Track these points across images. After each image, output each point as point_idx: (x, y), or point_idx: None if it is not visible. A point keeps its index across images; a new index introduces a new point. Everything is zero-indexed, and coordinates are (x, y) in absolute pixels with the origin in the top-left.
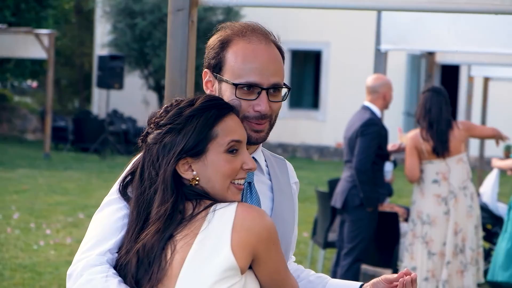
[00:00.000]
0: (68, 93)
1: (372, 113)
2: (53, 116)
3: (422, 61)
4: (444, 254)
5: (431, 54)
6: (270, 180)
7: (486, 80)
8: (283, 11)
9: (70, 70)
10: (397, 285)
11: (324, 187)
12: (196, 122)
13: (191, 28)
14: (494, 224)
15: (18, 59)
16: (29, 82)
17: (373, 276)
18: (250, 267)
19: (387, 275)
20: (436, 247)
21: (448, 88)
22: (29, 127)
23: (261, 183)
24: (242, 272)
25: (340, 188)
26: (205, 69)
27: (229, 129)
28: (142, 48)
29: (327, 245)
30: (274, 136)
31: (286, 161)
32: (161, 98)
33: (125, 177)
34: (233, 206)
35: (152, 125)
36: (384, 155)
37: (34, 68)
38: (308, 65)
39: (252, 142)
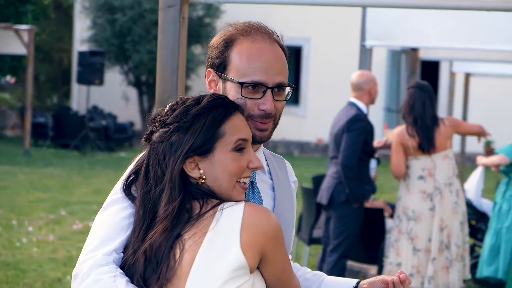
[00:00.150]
0: (46, 89)
1: (358, 109)
2: (32, 112)
3: (402, 57)
4: (429, 250)
5: (414, 50)
6: (271, 179)
7: (467, 76)
8: (264, 6)
9: (49, 66)
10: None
11: (306, 183)
12: (204, 120)
13: (182, 25)
14: (478, 220)
15: None
16: (7, 78)
17: (358, 273)
18: (257, 267)
19: (384, 275)
20: (421, 243)
21: None
22: (8, 124)
23: (262, 182)
24: (251, 272)
25: (326, 185)
26: (209, 69)
27: (236, 128)
28: (122, 43)
29: (312, 241)
30: None
31: (285, 160)
32: (141, 94)
33: (129, 176)
34: (241, 205)
35: (157, 124)
36: (370, 151)
37: (13, 64)
38: (289, 60)
39: (256, 141)
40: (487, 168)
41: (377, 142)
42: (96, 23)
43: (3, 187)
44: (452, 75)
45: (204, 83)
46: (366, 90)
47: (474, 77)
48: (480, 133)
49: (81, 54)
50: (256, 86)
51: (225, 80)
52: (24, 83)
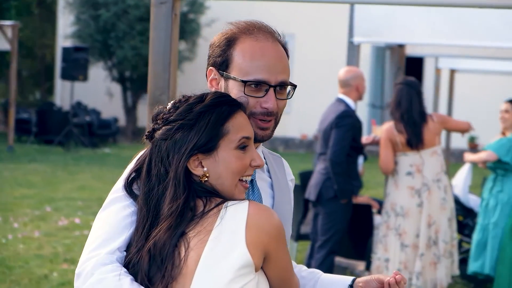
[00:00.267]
0: (29, 85)
1: (347, 105)
2: (15, 108)
3: (387, 53)
4: (417, 246)
5: (400, 47)
6: (270, 177)
7: (453, 72)
8: (248, 1)
9: (31, 61)
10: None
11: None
12: (208, 118)
13: (174, 21)
14: (465, 216)
15: None
16: None
17: (345, 269)
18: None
19: (380, 275)
20: (409, 239)
21: None
22: None
23: (261, 180)
24: (256, 270)
25: (314, 181)
26: (210, 67)
27: (240, 126)
28: (105, 39)
29: (299, 237)
30: None
31: (282, 158)
32: (125, 90)
33: (130, 174)
34: (245, 204)
35: (159, 121)
36: (358, 147)
37: None
38: None
39: (258, 140)
40: (473, 164)
41: (365, 138)
42: (79, 18)
43: None
44: (438, 71)
45: (189, 79)
46: (354, 86)
47: (459, 73)
48: (469, 130)
49: (65, 50)
50: (259, 84)
51: (227, 78)
52: (7, 79)
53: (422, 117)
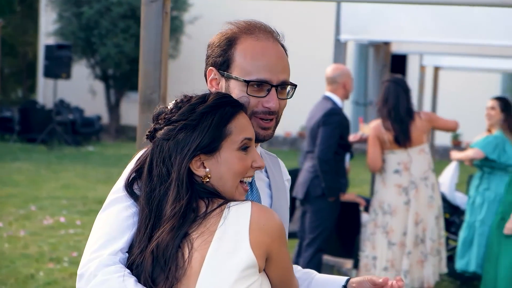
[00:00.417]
0: (11, 83)
1: (334, 103)
2: None
3: (370, 50)
4: (404, 244)
5: (386, 44)
6: (268, 177)
7: (437, 69)
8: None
9: (13, 59)
10: (379, 286)
11: None
12: (212, 119)
13: (165, 20)
14: (451, 213)
15: None
16: None
17: (333, 267)
18: None
19: (373, 276)
20: (396, 237)
21: None
22: None
23: (260, 180)
24: (259, 271)
25: (302, 179)
26: (210, 67)
27: (242, 127)
28: (88, 37)
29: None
30: None
31: (278, 158)
32: (108, 88)
33: (131, 174)
34: (248, 204)
35: (160, 121)
36: (345, 145)
37: None
38: None
39: (259, 140)
40: (460, 162)
41: (352, 136)
42: (62, 16)
43: None
44: (422, 68)
45: (172, 76)
46: (341, 84)
47: (443, 71)
48: (456, 129)
49: (48, 48)
50: (260, 84)
51: (228, 78)
52: None
53: (409, 114)
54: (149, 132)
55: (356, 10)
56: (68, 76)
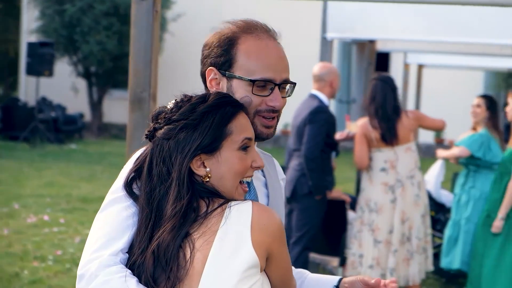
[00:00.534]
0: None
1: (320, 101)
2: None
3: (353, 48)
4: (389, 242)
5: (371, 42)
6: (264, 177)
7: (420, 67)
8: None
9: None
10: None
11: None
12: (213, 118)
13: (155, 18)
14: (437, 211)
15: None
16: None
17: (318, 265)
18: None
19: (365, 277)
20: (382, 235)
21: None
22: None
23: (256, 179)
24: (261, 271)
25: (289, 177)
26: (210, 67)
27: (242, 127)
28: (71, 34)
29: None
30: None
31: (273, 157)
32: (90, 85)
33: (130, 174)
34: (249, 204)
35: (160, 121)
36: (332, 143)
37: None
38: None
39: (262, 138)
40: (445, 160)
41: (339, 134)
42: (44, 13)
43: None
44: (407, 66)
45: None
46: (328, 82)
47: (426, 69)
48: (443, 128)
49: (31, 45)
50: (264, 83)
51: (230, 78)
52: None
53: (396, 113)
54: (148, 131)
55: (343, 9)
56: (50, 73)
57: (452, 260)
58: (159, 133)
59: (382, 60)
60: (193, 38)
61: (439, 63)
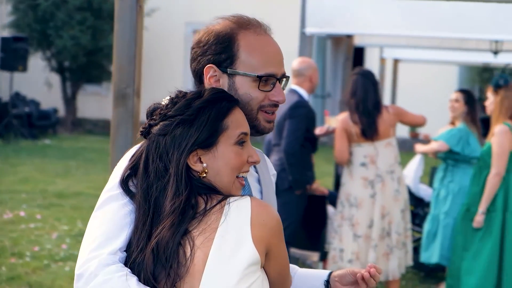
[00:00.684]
0: None
1: (300, 96)
2: None
3: (328, 43)
4: (369, 237)
5: (349, 37)
6: (257, 172)
7: (396, 62)
8: None
9: None
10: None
11: None
12: (209, 113)
13: (139, 13)
14: (416, 206)
15: None
16: None
17: (297, 259)
18: None
19: (355, 268)
20: (361, 230)
21: None
22: None
23: (250, 176)
24: (260, 267)
25: None
26: (210, 64)
27: (238, 122)
28: (44, 29)
29: None
30: None
31: (263, 153)
32: (64, 80)
33: (126, 171)
34: (247, 200)
35: (155, 117)
36: (312, 138)
37: None
38: None
39: (264, 133)
40: (424, 154)
41: (319, 129)
42: (17, 8)
43: None
44: (383, 61)
45: None
46: (307, 77)
47: (402, 63)
48: (424, 124)
49: (4, 40)
50: (268, 78)
51: (232, 75)
52: None
53: (377, 108)
54: (143, 128)
55: (321, 3)
56: (24, 68)
57: (431, 255)
58: (155, 129)
59: (358, 55)
60: (168, 33)
61: (414, 58)
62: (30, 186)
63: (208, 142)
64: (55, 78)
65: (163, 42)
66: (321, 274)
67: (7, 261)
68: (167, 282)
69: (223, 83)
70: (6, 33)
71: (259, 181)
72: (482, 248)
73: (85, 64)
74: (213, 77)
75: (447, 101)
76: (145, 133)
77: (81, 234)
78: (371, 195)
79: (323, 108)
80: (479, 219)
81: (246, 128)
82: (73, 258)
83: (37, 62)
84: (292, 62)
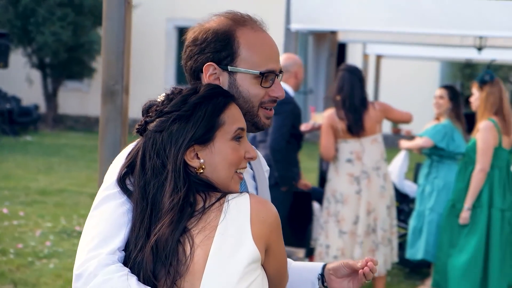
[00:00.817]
0: None
1: (285, 92)
2: None
3: (309, 39)
4: (354, 233)
5: (333, 33)
6: (252, 169)
7: (379, 58)
8: None
9: None
10: (357, 271)
11: None
12: (205, 109)
13: (127, 10)
14: (401, 202)
15: None
16: None
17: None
18: None
19: (349, 260)
20: (347, 226)
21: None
22: None
23: (245, 172)
24: (261, 264)
25: None
26: (209, 62)
27: (235, 117)
28: (25, 25)
29: None
30: None
31: (256, 149)
32: (45, 76)
33: (123, 169)
34: (246, 197)
35: (151, 114)
36: (297, 134)
37: None
38: None
39: (264, 129)
40: (409, 151)
41: (304, 126)
42: None
43: None
44: (366, 57)
45: None
46: (292, 73)
47: (384, 59)
48: (410, 121)
49: None
50: (267, 74)
51: (233, 72)
52: None
53: (363, 104)
54: (139, 125)
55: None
56: (5, 65)
57: (416, 252)
58: (151, 126)
59: (340, 51)
60: (149, 29)
61: (397, 54)
62: (12, 183)
63: (205, 137)
64: (36, 75)
65: (145, 39)
66: (315, 267)
67: None
68: (167, 280)
69: (223, 80)
70: None
71: (254, 178)
72: (467, 243)
73: (66, 60)
74: (212, 75)
75: (429, 97)
76: (141, 130)
77: (64, 231)
78: (357, 191)
79: (305, 104)
80: (465, 215)
81: (242, 123)
82: (57, 255)
83: (18, 58)
84: None
